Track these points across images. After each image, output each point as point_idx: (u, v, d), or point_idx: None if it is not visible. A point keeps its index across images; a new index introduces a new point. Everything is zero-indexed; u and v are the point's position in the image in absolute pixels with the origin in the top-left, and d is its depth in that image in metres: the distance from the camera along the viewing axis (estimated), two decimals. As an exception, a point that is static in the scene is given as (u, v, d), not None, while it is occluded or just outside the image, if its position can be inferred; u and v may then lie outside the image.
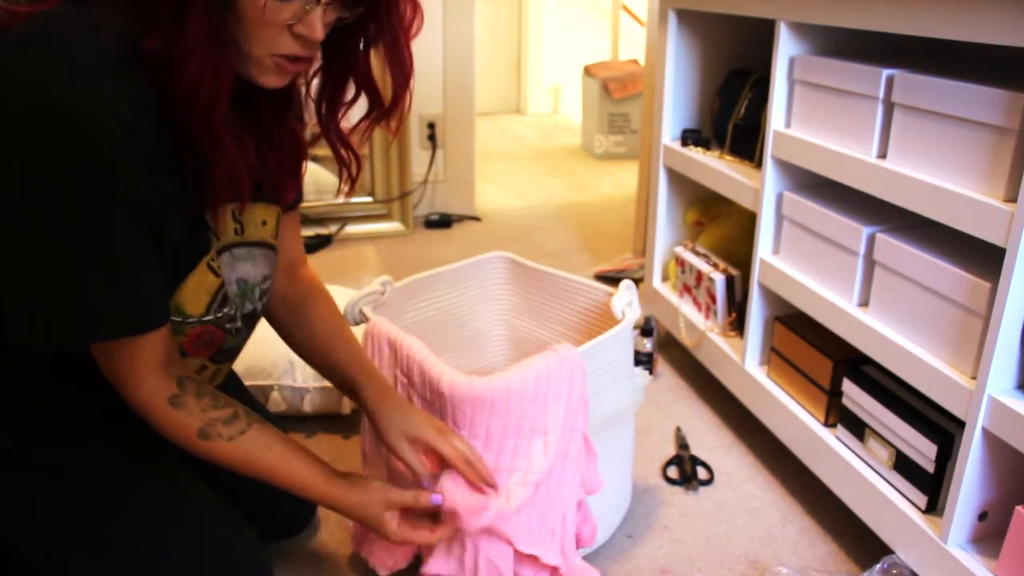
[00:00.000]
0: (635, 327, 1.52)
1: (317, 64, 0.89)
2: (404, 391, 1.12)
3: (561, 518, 1.09)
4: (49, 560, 0.94)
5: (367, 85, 0.91)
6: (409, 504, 0.99)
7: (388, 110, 0.92)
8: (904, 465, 1.14)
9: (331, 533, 1.29)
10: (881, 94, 1.13)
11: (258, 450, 0.93)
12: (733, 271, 1.60)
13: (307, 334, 1.11)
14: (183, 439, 0.90)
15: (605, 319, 1.30)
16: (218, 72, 0.76)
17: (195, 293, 0.91)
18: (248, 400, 1.30)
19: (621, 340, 1.17)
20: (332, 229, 2.63)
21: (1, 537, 0.94)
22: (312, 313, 1.12)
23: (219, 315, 0.95)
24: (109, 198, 0.75)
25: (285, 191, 1.00)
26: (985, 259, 1.03)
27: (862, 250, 1.19)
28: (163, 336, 0.86)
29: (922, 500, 1.11)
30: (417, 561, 1.14)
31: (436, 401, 1.06)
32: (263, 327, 1.64)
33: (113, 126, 0.73)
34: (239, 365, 1.46)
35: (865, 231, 1.18)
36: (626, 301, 1.20)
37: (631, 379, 1.23)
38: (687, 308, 1.73)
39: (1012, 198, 0.94)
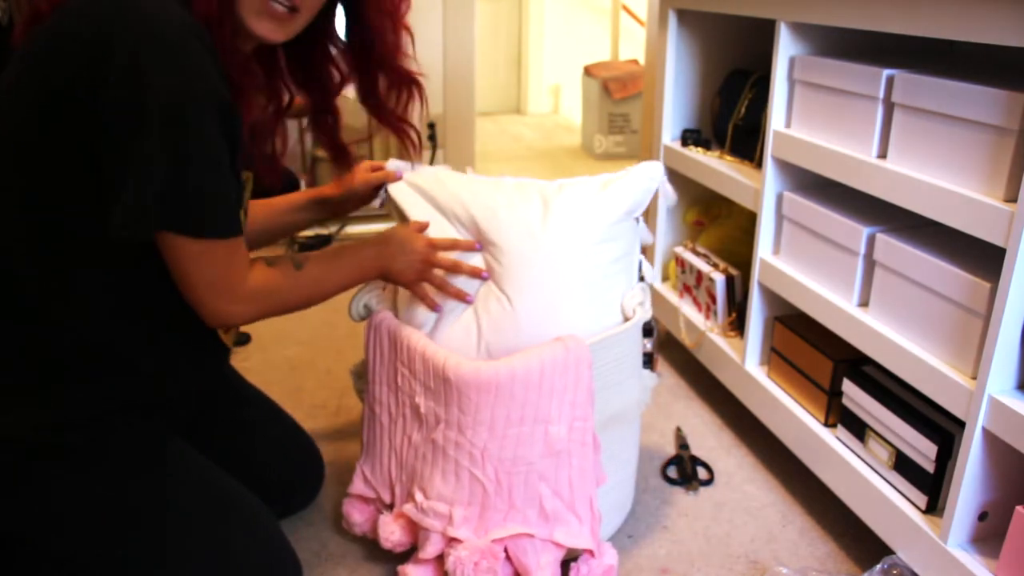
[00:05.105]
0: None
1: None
2: (405, 382, 1.13)
3: (588, 503, 1.11)
4: (78, 554, 0.95)
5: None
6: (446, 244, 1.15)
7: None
8: (904, 465, 1.14)
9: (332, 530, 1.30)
10: (881, 94, 1.13)
11: (326, 258, 1.07)
12: (733, 271, 1.60)
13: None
14: (288, 283, 1.00)
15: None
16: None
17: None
18: (235, 375, 1.33)
19: (629, 338, 1.17)
20: (332, 229, 2.63)
21: (22, 530, 0.94)
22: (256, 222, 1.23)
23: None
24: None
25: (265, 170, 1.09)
26: (985, 259, 1.03)
27: (862, 250, 1.19)
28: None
29: (922, 500, 1.11)
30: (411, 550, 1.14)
31: (441, 388, 1.07)
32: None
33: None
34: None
35: (865, 231, 1.18)
36: (637, 300, 1.21)
37: (639, 379, 1.23)
38: (687, 308, 1.73)
39: (1012, 198, 0.94)
